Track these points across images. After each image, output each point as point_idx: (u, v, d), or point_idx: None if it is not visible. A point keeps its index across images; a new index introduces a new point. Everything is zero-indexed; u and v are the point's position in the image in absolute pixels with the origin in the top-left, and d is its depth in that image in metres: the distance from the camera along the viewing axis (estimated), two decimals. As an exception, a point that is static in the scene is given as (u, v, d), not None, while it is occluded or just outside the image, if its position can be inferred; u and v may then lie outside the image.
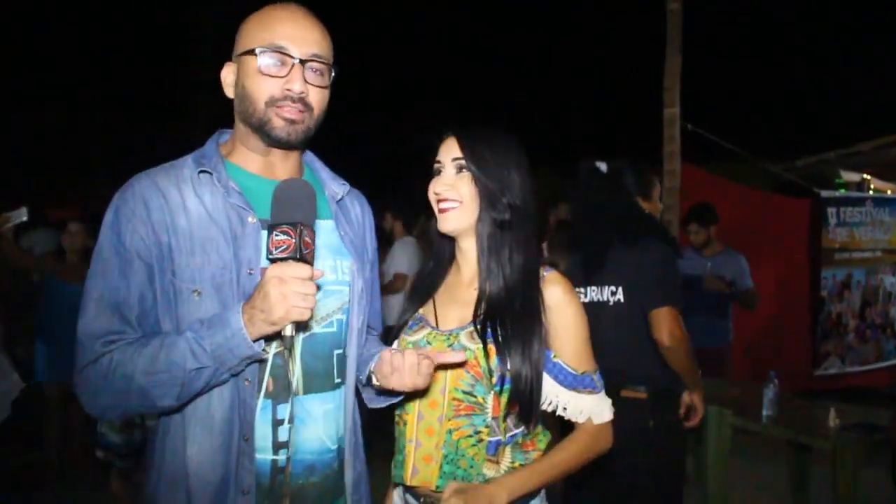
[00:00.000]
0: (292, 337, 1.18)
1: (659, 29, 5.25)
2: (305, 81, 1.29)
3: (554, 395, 1.46)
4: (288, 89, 1.28)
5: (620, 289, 2.46)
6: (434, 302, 1.58)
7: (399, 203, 5.34)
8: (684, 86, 5.16)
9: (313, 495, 1.35)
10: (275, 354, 1.31)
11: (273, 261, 1.15)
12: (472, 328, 1.45)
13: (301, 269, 1.14)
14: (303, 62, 1.29)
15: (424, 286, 1.61)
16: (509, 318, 1.42)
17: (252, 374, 1.28)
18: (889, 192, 6.91)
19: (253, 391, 1.28)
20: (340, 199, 1.50)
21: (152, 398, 1.21)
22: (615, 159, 2.73)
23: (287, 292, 1.13)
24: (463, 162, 1.48)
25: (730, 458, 3.60)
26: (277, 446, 1.30)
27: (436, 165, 1.53)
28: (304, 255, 1.14)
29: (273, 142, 1.33)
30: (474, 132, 1.52)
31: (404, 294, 1.63)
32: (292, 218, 1.15)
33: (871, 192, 6.85)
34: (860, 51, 14.25)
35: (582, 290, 2.56)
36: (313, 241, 1.17)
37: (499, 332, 1.42)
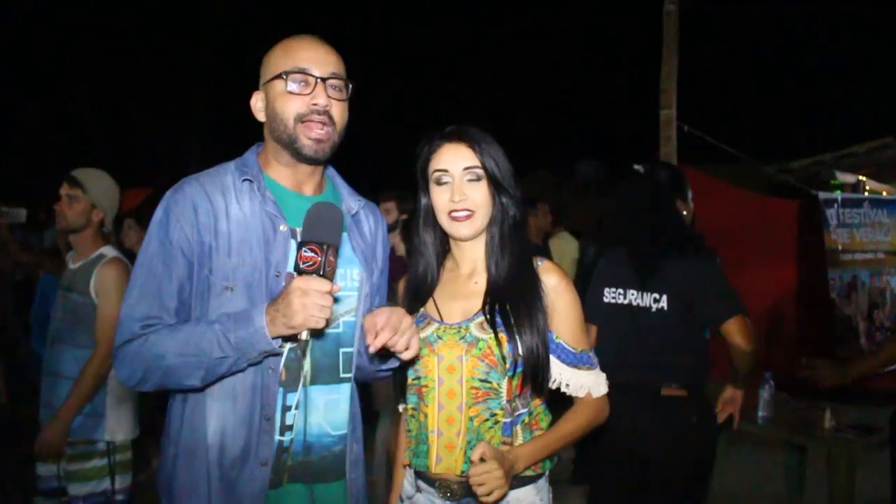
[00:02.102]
0: (307, 341, 1.36)
1: (656, 31, 5.26)
2: (328, 96, 1.45)
3: (557, 373, 1.57)
4: (314, 104, 1.44)
5: (665, 297, 2.50)
6: (434, 298, 1.63)
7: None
8: (681, 87, 5.18)
9: (310, 471, 1.51)
10: (290, 349, 1.47)
11: (300, 273, 1.30)
12: (481, 318, 1.54)
13: (322, 284, 1.29)
14: (324, 80, 1.45)
15: (422, 285, 1.65)
16: (515, 303, 1.52)
17: (275, 363, 1.45)
18: (884, 193, 6.93)
19: (276, 378, 1.46)
20: (355, 214, 1.63)
21: (179, 377, 1.39)
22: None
23: (307, 303, 1.28)
24: (480, 171, 1.55)
25: (726, 459, 3.61)
26: (284, 429, 1.47)
27: (437, 174, 1.56)
28: (326, 272, 1.30)
29: (302, 159, 1.49)
30: (478, 137, 1.56)
31: (402, 293, 1.70)
32: (321, 238, 1.31)
33: (866, 194, 6.87)
34: (855, 53, 14.29)
35: (621, 290, 2.58)
36: (336, 260, 1.33)
37: (509, 318, 1.51)
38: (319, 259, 1.29)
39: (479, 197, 1.54)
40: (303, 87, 1.44)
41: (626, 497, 2.54)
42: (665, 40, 5.17)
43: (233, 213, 1.45)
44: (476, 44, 17.06)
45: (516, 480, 1.53)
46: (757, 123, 14.52)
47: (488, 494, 1.40)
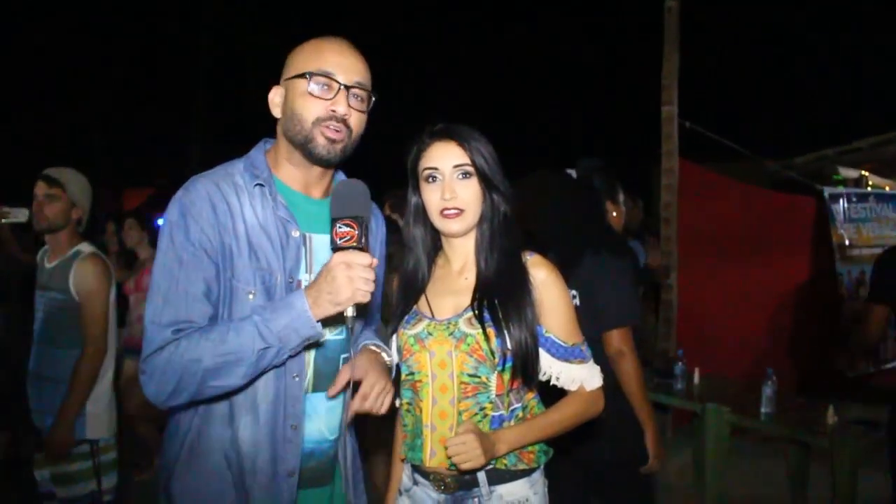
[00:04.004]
0: (353, 317, 1.32)
1: (657, 27, 5.25)
2: (349, 105, 1.42)
3: (548, 367, 1.59)
4: (333, 110, 1.41)
5: (578, 294, 2.54)
6: (426, 294, 1.65)
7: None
8: (682, 83, 5.16)
9: (310, 478, 1.51)
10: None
11: (336, 249, 1.29)
12: (470, 314, 1.55)
13: (364, 257, 1.29)
14: (347, 88, 1.42)
15: (414, 282, 1.66)
16: (503, 298, 1.53)
17: (300, 369, 1.44)
18: (887, 188, 6.91)
19: (301, 385, 1.44)
20: None
21: (221, 377, 1.32)
22: (587, 161, 2.80)
23: (353, 276, 1.27)
24: (470, 168, 1.55)
25: (728, 456, 3.60)
26: (290, 436, 1.45)
27: (428, 171, 1.57)
28: (364, 245, 1.30)
29: (314, 159, 1.45)
30: (467, 135, 1.57)
31: (395, 290, 1.72)
32: (355, 212, 1.30)
33: (869, 188, 6.85)
34: (858, 48, 14.25)
35: None
36: (369, 235, 1.33)
37: (497, 313, 1.52)
38: (356, 233, 1.28)
39: (469, 194, 1.55)
40: (325, 91, 1.41)
41: (576, 491, 2.55)
42: (666, 36, 5.16)
43: (247, 216, 1.41)
44: (476, 42, 17.04)
45: (508, 474, 1.55)
46: (759, 119, 14.49)
47: (464, 463, 1.43)
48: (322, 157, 1.43)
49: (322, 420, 1.51)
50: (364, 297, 1.29)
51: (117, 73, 13.88)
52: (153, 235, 4.82)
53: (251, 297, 1.38)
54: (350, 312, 1.31)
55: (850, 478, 3.03)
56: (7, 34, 12.81)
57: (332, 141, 1.42)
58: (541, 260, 1.61)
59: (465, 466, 1.45)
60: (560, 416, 1.59)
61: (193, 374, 1.30)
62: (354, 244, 1.28)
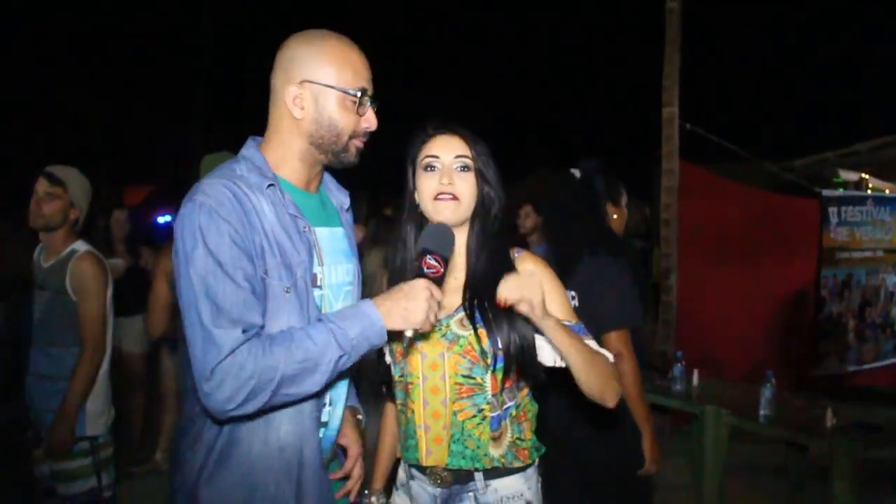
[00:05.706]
0: (411, 338, 1.41)
1: (658, 28, 5.25)
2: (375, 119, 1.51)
3: (555, 355, 1.57)
4: (366, 126, 1.50)
5: (577, 295, 2.53)
6: None
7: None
8: (683, 85, 5.16)
9: (330, 468, 1.60)
10: None
11: (421, 275, 1.41)
12: (461, 314, 1.56)
13: (440, 293, 1.41)
14: (374, 102, 1.50)
15: (403, 280, 1.63)
16: (493, 298, 1.50)
17: None
18: (887, 191, 6.91)
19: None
20: (348, 209, 1.68)
21: (298, 385, 1.31)
22: (588, 161, 2.80)
23: (431, 304, 1.37)
24: (470, 162, 1.59)
25: (727, 458, 3.60)
26: (319, 425, 1.50)
27: (428, 160, 1.60)
28: (441, 284, 1.42)
29: (339, 164, 1.52)
30: (469, 132, 1.62)
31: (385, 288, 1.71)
32: (445, 253, 1.44)
33: (869, 192, 6.85)
34: (858, 51, 14.26)
35: None
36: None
37: (487, 313, 1.53)
38: (443, 270, 1.41)
39: (465, 186, 1.58)
40: (361, 107, 1.47)
41: (574, 493, 2.52)
42: (667, 38, 5.16)
43: (267, 214, 1.39)
44: (476, 42, 17.05)
45: (504, 470, 1.57)
46: (759, 121, 14.50)
47: (525, 301, 1.42)
48: (351, 164, 1.51)
49: (342, 406, 1.61)
50: (428, 328, 1.39)
51: (117, 73, 13.86)
52: (152, 233, 4.79)
53: (287, 293, 1.37)
54: (409, 333, 1.38)
55: (848, 480, 3.02)
56: (7, 34, 12.80)
57: (360, 151, 1.51)
58: (528, 255, 1.65)
59: (525, 305, 1.42)
60: (589, 350, 1.53)
61: (269, 382, 1.26)
62: (436, 278, 1.40)
